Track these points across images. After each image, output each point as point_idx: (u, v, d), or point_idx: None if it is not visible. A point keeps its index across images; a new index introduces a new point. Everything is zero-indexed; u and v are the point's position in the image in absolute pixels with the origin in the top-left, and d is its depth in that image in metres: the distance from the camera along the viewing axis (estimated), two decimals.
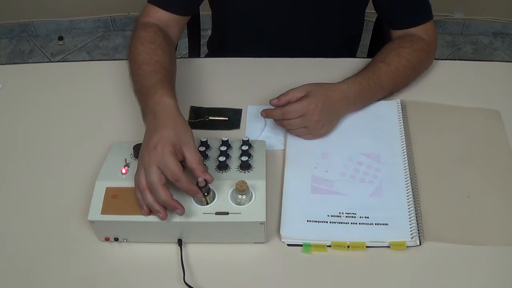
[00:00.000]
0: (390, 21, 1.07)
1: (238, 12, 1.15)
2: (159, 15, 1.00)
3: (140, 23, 0.99)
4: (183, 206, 0.72)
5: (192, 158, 0.73)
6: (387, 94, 0.98)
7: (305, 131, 0.90)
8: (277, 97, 0.88)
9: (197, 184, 0.73)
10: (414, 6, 1.03)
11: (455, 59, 1.45)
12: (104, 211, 0.74)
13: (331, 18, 1.14)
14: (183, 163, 0.74)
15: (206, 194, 0.74)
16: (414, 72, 1.01)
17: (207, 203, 0.75)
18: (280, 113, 0.88)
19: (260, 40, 1.18)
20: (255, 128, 0.95)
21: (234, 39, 1.23)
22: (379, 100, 0.98)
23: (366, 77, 0.94)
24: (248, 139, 0.84)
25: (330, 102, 0.90)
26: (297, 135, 0.92)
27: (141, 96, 0.86)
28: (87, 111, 1.00)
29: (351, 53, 1.30)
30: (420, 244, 0.76)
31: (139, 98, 0.88)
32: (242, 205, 0.74)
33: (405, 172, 0.86)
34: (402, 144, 0.90)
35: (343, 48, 1.24)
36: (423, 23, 1.02)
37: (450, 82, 1.04)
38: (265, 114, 0.90)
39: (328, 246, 0.76)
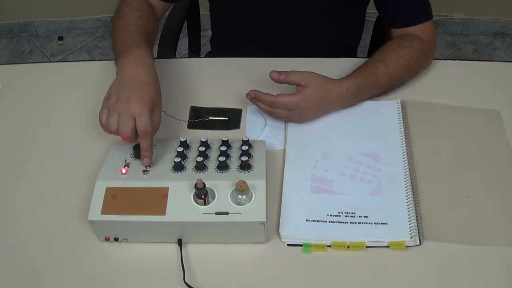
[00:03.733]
0: (390, 20, 1.07)
1: (239, 12, 1.15)
2: None
3: None
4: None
5: (156, 119, 0.82)
6: (381, 94, 0.99)
7: (286, 119, 0.93)
8: (279, 72, 0.89)
9: (195, 186, 0.73)
10: (414, 6, 1.03)
11: (455, 59, 1.45)
12: (104, 211, 0.74)
13: (331, 18, 1.14)
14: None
15: (204, 196, 0.74)
16: (411, 72, 1.01)
17: (207, 203, 0.75)
18: (270, 101, 0.89)
19: (260, 40, 1.18)
20: (255, 128, 0.95)
21: (235, 39, 1.23)
22: (378, 99, 0.99)
23: (364, 79, 0.94)
24: (248, 139, 0.84)
25: (322, 103, 0.92)
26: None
27: (122, 44, 0.92)
28: (87, 111, 1.00)
29: (351, 53, 1.30)
30: (420, 244, 0.76)
31: (118, 44, 0.94)
32: (242, 205, 0.74)
33: (405, 172, 0.86)
34: (402, 144, 0.90)
35: (343, 48, 1.24)
36: (423, 23, 1.02)
37: (450, 82, 1.04)
38: (254, 95, 0.89)
39: (328, 246, 0.76)
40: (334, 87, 0.92)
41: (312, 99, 0.89)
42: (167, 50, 1.22)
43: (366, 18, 1.24)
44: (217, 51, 1.33)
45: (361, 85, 0.94)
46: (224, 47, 1.28)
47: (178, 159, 0.79)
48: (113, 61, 1.11)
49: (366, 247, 0.76)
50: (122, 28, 0.96)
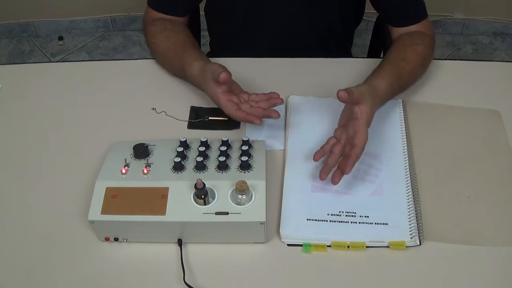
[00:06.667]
0: (391, 20, 1.07)
1: (237, 13, 1.15)
2: (159, 15, 1.08)
3: (146, 22, 1.09)
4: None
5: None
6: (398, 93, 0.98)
7: None
8: (346, 91, 0.80)
9: (195, 186, 0.73)
10: (412, 4, 1.04)
11: (455, 59, 1.45)
12: (104, 211, 0.74)
13: (329, 17, 1.14)
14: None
15: (204, 196, 0.74)
16: (423, 69, 1.02)
17: (207, 203, 0.75)
18: (359, 154, 0.81)
19: (259, 41, 1.18)
20: (255, 128, 0.95)
21: (230, 40, 1.23)
22: None
23: (396, 84, 0.93)
24: (248, 139, 0.84)
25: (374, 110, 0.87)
26: None
27: (183, 74, 1.00)
28: (87, 111, 1.00)
29: (346, 53, 1.30)
30: (420, 244, 0.76)
31: (182, 77, 1.03)
32: (242, 205, 0.74)
33: (406, 172, 0.86)
34: (403, 144, 0.90)
35: (337, 47, 1.24)
36: (423, 20, 1.03)
37: (450, 82, 1.04)
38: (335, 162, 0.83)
39: (328, 246, 0.76)
40: (380, 103, 0.89)
41: (371, 113, 0.84)
42: None
43: (366, 18, 1.24)
44: (214, 53, 1.33)
45: (391, 93, 0.93)
46: (219, 48, 1.29)
47: (178, 159, 0.79)
48: (113, 61, 1.13)
49: (366, 247, 0.76)
50: (164, 59, 1.04)
